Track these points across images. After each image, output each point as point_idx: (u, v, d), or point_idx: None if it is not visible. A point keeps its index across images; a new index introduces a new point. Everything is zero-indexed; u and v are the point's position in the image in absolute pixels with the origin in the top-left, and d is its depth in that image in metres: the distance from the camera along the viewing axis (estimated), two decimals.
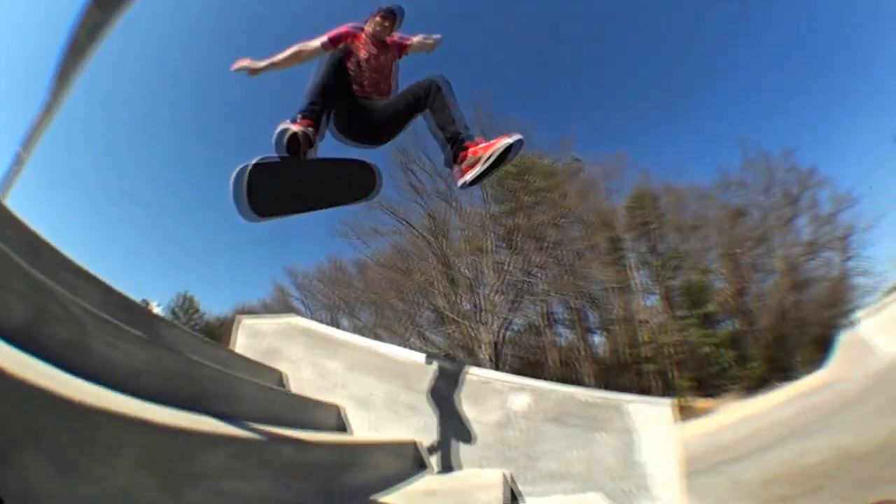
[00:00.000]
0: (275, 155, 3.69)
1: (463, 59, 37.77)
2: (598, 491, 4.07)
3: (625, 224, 35.88)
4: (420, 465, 3.99)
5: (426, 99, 3.85)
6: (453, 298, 29.37)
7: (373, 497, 2.31)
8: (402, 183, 31.47)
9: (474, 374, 4.50)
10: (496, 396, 4.37)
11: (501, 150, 3.50)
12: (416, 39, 4.47)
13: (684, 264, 35.70)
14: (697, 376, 33.58)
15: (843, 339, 13.49)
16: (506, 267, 30.11)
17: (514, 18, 50.28)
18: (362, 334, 5.27)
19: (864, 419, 5.65)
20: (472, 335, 28.00)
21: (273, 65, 4.08)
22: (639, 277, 35.36)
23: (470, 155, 3.62)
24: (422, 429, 4.23)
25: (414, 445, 4.01)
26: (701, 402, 31.11)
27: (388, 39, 4.32)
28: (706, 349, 32.79)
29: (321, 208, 4.07)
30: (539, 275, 32.80)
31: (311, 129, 3.71)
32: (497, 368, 24.69)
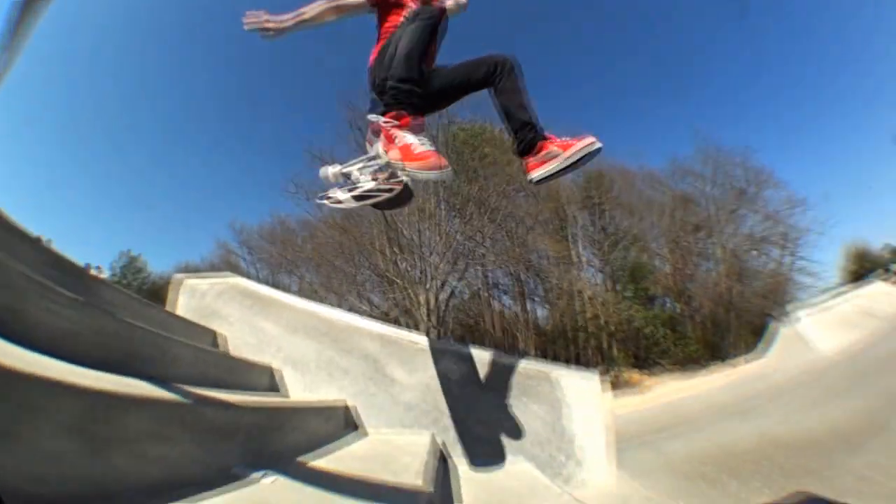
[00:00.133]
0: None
1: None
2: (528, 458, 4.17)
3: (575, 200, 36.14)
4: (352, 428, 3.99)
5: (496, 76, 3.39)
6: (397, 261, 29.11)
7: (300, 459, 2.31)
8: (351, 141, 30.66)
9: (409, 338, 4.54)
10: (430, 361, 4.41)
11: (586, 151, 3.17)
12: (449, 2, 3.89)
13: (630, 244, 36.25)
14: (635, 352, 34.34)
15: (783, 332, 14.19)
16: (451, 233, 29.96)
17: None
18: (305, 294, 5.22)
19: (794, 410, 5.86)
20: (415, 299, 27.83)
21: (302, 22, 3.50)
22: (584, 253, 35.70)
23: (551, 147, 3.25)
24: (356, 392, 4.25)
25: (346, 408, 4.01)
26: (637, 377, 31.97)
27: None
28: (645, 327, 33.51)
29: None
30: (485, 243, 32.87)
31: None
32: (439, 334, 24.78)
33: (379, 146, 3.35)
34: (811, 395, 6.68)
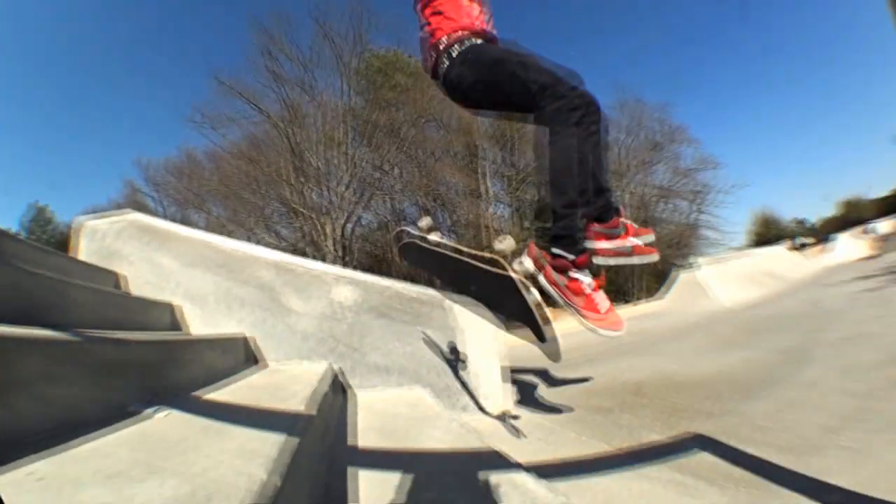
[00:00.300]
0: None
1: None
2: (424, 385, 4.27)
3: (487, 134, 36.03)
4: (251, 360, 4.02)
5: (579, 114, 2.56)
6: (303, 191, 28.53)
7: (196, 392, 2.33)
8: (261, 68, 29.42)
9: (303, 266, 4.56)
10: (325, 289, 4.46)
11: (650, 260, 2.77)
12: None
13: (537, 181, 36.54)
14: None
15: (684, 279, 14.82)
16: (358, 161, 29.54)
17: None
18: (213, 230, 5.05)
19: (689, 353, 6.06)
20: (321, 230, 27.55)
21: None
22: (493, 187, 35.81)
23: (625, 234, 2.78)
24: (254, 323, 4.24)
25: (245, 341, 4.02)
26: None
27: None
28: None
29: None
30: (391, 172, 32.56)
31: None
32: (344, 264, 24.64)
33: (527, 262, 2.95)
34: (707, 340, 6.95)
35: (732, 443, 2.97)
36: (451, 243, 3.35)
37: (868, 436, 2.70)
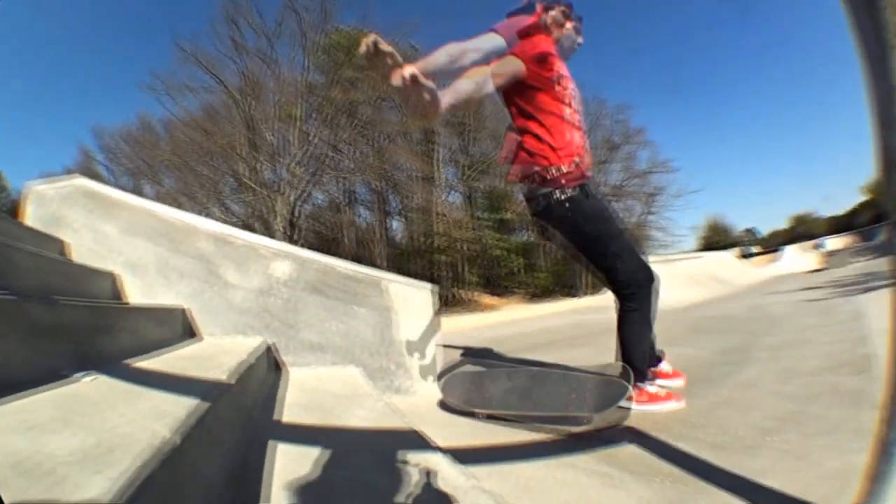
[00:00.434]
0: None
1: None
2: (358, 365, 4.30)
3: (444, 121, 36.05)
4: (188, 332, 4.00)
5: (647, 296, 3.36)
6: (255, 165, 28.21)
7: (127, 361, 2.33)
8: (224, 37, 28.79)
9: (243, 239, 4.52)
10: (261, 263, 4.45)
11: (667, 409, 3.31)
12: None
13: (492, 170, 36.65)
14: (487, 275, 35.42)
15: None
16: (312, 138, 29.25)
17: None
18: (164, 202, 4.96)
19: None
20: (270, 205, 27.29)
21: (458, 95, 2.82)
22: (445, 172, 35.91)
23: (657, 386, 3.42)
24: (192, 295, 4.21)
25: (182, 313, 4.01)
26: (486, 299, 33.04)
27: None
28: (498, 251, 34.42)
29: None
30: (346, 151, 32.37)
31: None
32: (292, 243, 24.51)
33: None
34: None
35: (663, 437, 2.92)
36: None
37: (805, 439, 2.62)
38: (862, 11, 0.99)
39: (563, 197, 3.24)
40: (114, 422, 1.24)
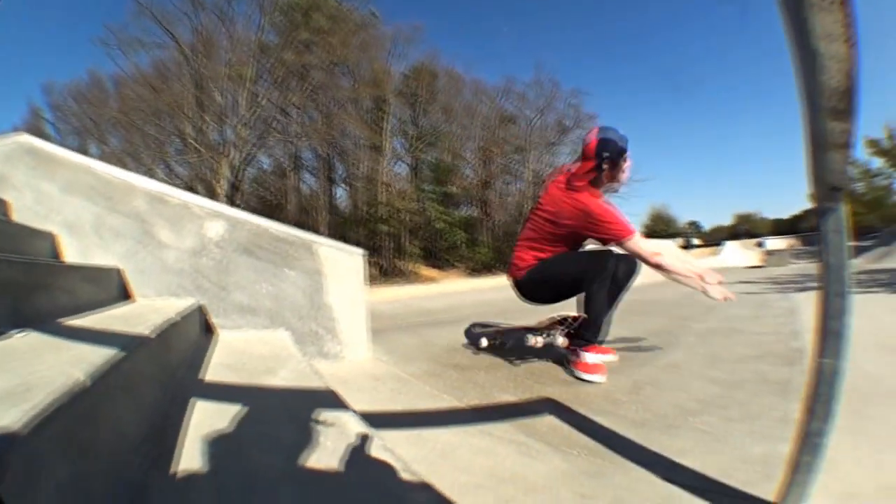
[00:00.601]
0: None
1: None
2: (287, 329, 4.37)
3: (395, 89, 35.82)
4: (122, 294, 4.01)
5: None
6: (201, 126, 27.64)
7: (60, 319, 2.37)
8: None
9: (178, 197, 4.47)
10: (195, 223, 4.42)
11: (597, 380, 3.67)
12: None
13: (440, 143, 36.64)
14: (429, 248, 35.56)
15: None
16: (261, 100, 28.85)
17: None
18: (108, 162, 4.83)
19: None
20: (214, 168, 26.98)
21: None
22: (393, 143, 35.86)
23: (581, 358, 3.84)
24: (126, 256, 4.19)
25: (118, 273, 4.02)
26: (427, 272, 33.19)
27: None
28: (441, 224, 34.53)
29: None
30: (294, 116, 32.01)
31: None
32: (234, 205, 24.28)
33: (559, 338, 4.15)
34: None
35: (584, 411, 2.98)
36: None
37: (727, 424, 2.67)
38: None
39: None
40: (37, 368, 1.35)
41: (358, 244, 5.16)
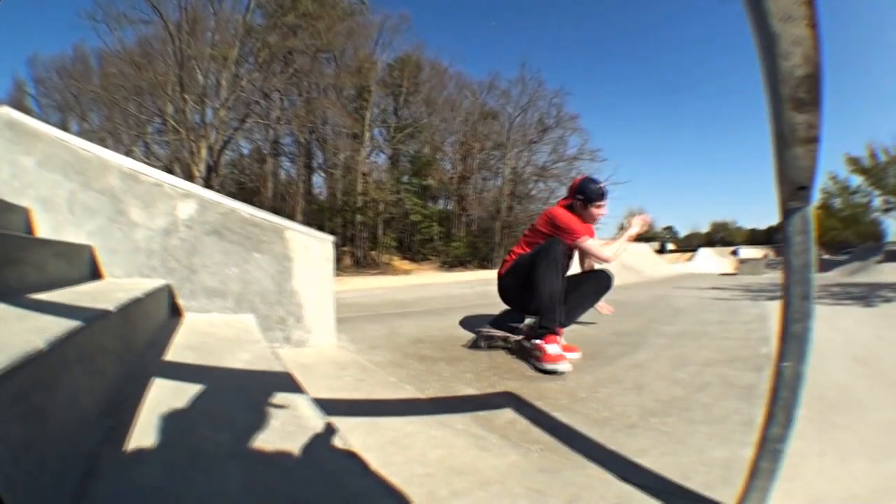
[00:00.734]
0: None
1: None
2: (254, 313, 4.39)
3: (378, 78, 35.77)
4: (92, 271, 3.97)
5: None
6: (182, 107, 27.36)
7: (30, 294, 2.38)
8: None
9: (151, 176, 4.42)
10: (167, 202, 4.39)
11: (560, 369, 3.90)
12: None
13: (420, 135, 36.66)
14: (404, 240, 35.68)
15: None
16: (243, 82, 28.74)
17: None
18: (88, 140, 4.76)
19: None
20: (195, 149, 26.77)
21: None
22: (373, 132, 35.84)
23: (544, 349, 4.06)
24: (97, 233, 4.16)
25: (90, 251, 3.99)
26: (401, 264, 33.30)
27: None
28: (417, 217, 34.63)
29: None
30: (276, 100, 31.90)
31: None
32: (210, 188, 24.10)
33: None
34: None
35: (543, 407, 3.01)
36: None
37: (689, 426, 2.67)
38: None
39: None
40: (2, 334, 1.44)
41: (333, 233, 5.17)
